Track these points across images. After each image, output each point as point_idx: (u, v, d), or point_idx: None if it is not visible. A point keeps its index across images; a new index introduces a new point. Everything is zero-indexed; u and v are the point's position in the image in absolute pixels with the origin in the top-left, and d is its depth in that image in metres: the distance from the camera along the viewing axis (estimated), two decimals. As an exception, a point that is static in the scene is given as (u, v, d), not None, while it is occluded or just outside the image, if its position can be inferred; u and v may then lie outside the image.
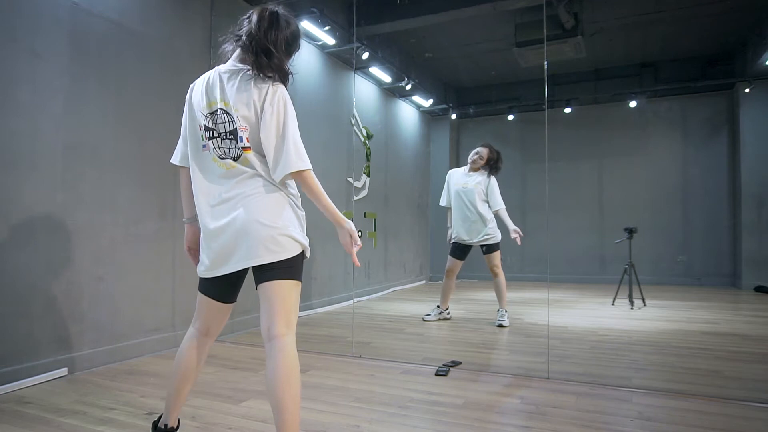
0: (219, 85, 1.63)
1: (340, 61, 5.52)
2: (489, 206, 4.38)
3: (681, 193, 6.58)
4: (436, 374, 2.80)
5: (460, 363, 3.00)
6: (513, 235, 4.26)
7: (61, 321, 2.78)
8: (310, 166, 1.58)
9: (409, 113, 7.20)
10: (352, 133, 5.75)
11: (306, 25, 4.64)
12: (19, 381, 2.54)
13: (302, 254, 1.64)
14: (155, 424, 1.76)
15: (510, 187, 7.14)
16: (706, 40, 6.04)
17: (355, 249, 1.63)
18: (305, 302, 4.89)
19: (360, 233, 5.85)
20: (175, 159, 1.80)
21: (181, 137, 1.77)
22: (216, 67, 1.69)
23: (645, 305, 5.09)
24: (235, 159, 1.60)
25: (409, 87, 6.31)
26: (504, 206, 4.37)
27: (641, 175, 6.72)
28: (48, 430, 2.02)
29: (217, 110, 1.62)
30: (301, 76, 4.92)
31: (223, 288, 1.69)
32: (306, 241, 1.64)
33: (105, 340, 3.00)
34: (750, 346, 3.48)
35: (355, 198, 5.75)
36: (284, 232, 1.57)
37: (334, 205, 1.61)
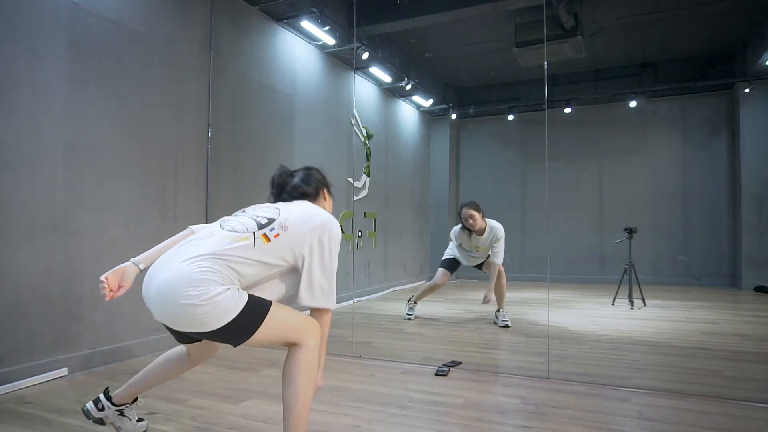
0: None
1: (340, 61, 5.52)
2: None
3: (681, 193, 6.58)
4: (436, 374, 2.79)
5: (460, 363, 3.00)
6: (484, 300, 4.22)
7: (61, 321, 2.78)
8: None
9: (409, 113, 7.19)
10: (352, 133, 5.75)
11: (306, 25, 4.64)
12: (19, 381, 2.54)
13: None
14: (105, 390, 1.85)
15: (510, 187, 7.15)
16: (706, 40, 6.04)
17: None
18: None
19: (360, 233, 5.85)
20: None
21: None
22: None
23: (645, 305, 5.09)
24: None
25: (409, 87, 6.31)
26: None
27: (641, 175, 6.72)
28: (48, 430, 2.02)
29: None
30: (301, 76, 4.92)
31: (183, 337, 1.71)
32: None
33: (105, 340, 3.00)
34: (750, 346, 3.48)
35: (355, 198, 5.75)
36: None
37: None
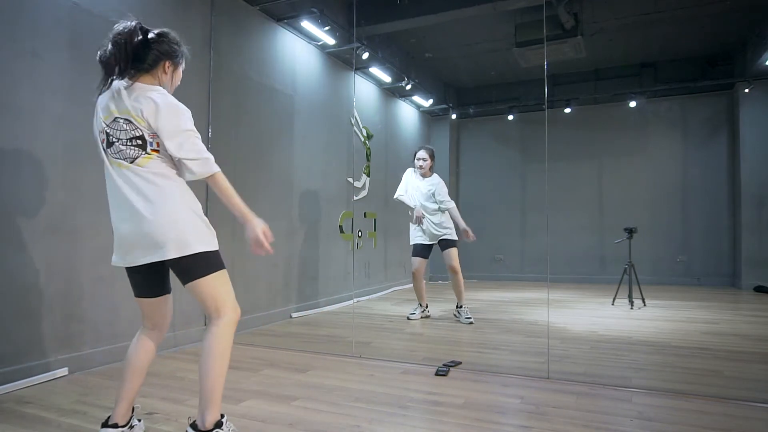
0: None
1: (340, 61, 5.52)
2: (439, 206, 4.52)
3: (681, 193, 6.59)
4: (436, 374, 2.80)
5: (460, 363, 3.00)
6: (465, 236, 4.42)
7: (61, 321, 2.78)
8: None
9: (409, 113, 7.20)
10: (352, 133, 5.75)
11: (306, 25, 4.64)
12: (19, 381, 2.54)
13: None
14: (106, 420, 1.83)
15: (510, 187, 7.16)
16: (706, 40, 6.04)
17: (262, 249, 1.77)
18: (306, 302, 4.89)
19: (360, 233, 5.85)
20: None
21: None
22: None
23: (645, 305, 5.09)
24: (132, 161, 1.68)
25: (409, 87, 6.31)
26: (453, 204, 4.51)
27: (641, 175, 6.72)
28: (48, 430, 2.02)
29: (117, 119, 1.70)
30: (301, 76, 4.92)
31: (145, 284, 1.82)
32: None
33: (105, 340, 3.00)
34: (750, 346, 3.48)
35: (355, 198, 5.75)
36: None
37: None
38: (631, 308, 4.96)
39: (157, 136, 1.67)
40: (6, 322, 2.52)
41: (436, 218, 4.48)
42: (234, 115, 4.06)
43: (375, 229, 6.16)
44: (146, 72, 1.75)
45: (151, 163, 1.68)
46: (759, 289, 5.94)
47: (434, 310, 4.86)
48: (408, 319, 4.55)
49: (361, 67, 5.69)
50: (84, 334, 2.89)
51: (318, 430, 2.01)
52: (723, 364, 3.03)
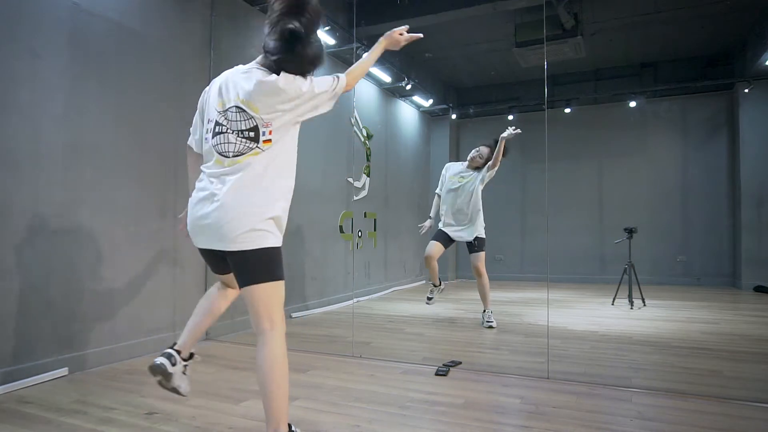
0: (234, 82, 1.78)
1: (340, 61, 5.52)
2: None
3: (681, 193, 6.58)
4: (436, 374, 2.80)
5: (460, 363, 3.00)
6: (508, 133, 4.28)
7: (61, 321, 2.78)
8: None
9: (409, 113, 7.20)
10: (352, 133, 5.75)
11: (306, 25, 4.64)
12: (19, 381, 2.54)
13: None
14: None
15: (510, 187, 7.15)
16: (706, 40, 6.05)
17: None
18: (306, 302, 4.89)
19: (360, 233, 5.85)
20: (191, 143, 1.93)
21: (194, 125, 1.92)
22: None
23: (645, 305, 5.09)
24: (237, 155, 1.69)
25: (409, 87, 6.31)
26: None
27: (641, 175, 6.72)
28: (48, 430, 2.02)
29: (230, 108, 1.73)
30: (301, 76, 4.91)
31: (214, 263, 1.87)
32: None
33: (105, 340, 3.00)
34: (750, 346, 3.48)
35: (355, 198, 5.75)
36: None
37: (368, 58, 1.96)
38: (631, 308, 4.96)
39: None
40: (6, 322, 2.53)
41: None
42: (234, 115, 4.06)
43: (375, 229, 6.16)
44: None
45: None
46: (759, 289, 5.94)
47: (435, 309, 4.86)
48: (427, 303, 4.57)
49: (361, 67, 5.68)
50: (84, 334, 2.89)
51: (318, 430, 2.01)
52: (723, 364, 3.03)
